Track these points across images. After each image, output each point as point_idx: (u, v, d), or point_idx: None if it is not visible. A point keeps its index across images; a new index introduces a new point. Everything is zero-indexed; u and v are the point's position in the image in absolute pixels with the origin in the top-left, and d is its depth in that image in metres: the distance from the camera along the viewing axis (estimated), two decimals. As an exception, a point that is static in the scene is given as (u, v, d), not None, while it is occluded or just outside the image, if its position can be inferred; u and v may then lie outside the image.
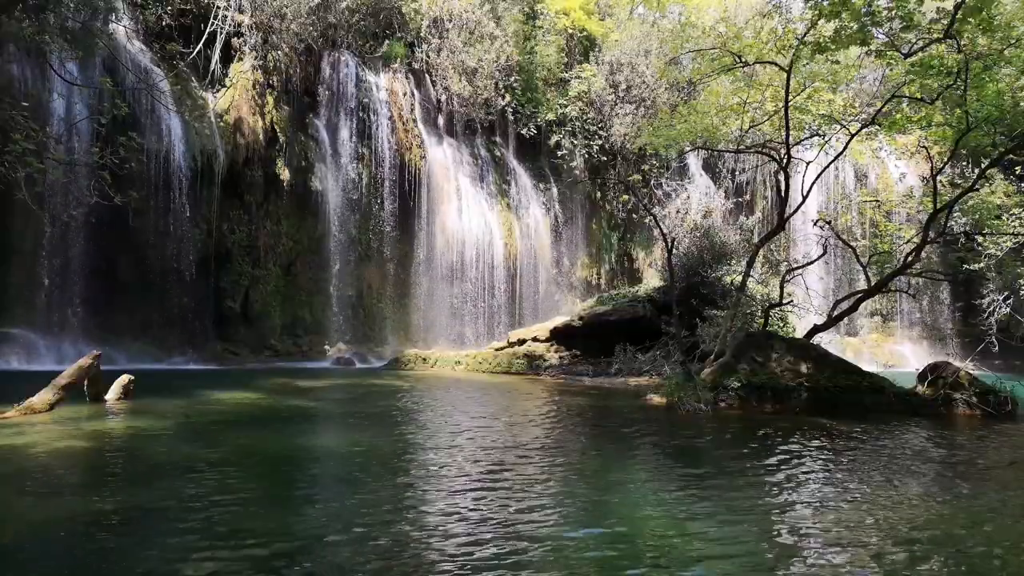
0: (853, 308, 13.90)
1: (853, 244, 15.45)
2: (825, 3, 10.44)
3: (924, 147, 14.28)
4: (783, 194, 13.79)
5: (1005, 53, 10.62)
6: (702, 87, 18.49)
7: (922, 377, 10.92)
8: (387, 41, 24.07)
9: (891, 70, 13.46)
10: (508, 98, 25.13)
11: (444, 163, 23.98)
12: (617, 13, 28.99)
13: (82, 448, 6.41)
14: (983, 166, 12.53)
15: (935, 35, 10.54)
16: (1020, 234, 16.08)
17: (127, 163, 13.73)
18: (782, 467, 6.28)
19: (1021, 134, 11.84)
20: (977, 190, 13.36)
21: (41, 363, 15.25)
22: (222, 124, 19.58)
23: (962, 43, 10.26)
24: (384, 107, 22.77)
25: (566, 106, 26.08)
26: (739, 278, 14.82)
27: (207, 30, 19.48)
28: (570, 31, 27.13)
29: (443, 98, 24.56)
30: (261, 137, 20.36)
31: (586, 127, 26.37)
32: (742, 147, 15.41)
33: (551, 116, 25.94)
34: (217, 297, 19.48)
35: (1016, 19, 11.19)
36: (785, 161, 12.90)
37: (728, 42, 13.03)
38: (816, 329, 12.58)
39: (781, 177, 13.47)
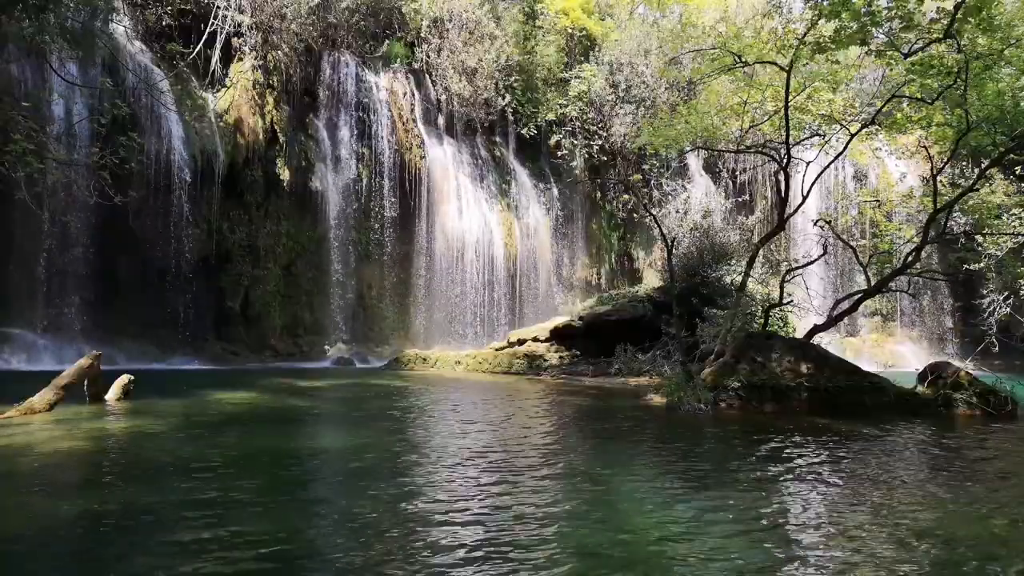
0: (853, 308, 13.89)
1: (853, 244, 15.43)
2: (825, 3, 10.44)
3: (924, 147, 14.25)
4: (783, 194, 13.78)
5: (1005, 53, 10.61)
6: (702, 87, 18.50)
7: (922, 377, 10.91)
8: (387, 41, 24.09)
9: (891, 70, 13.45)
10: (508, 98, 25.13)
11: (444, 163, 23.99)
12: (617, 13, 29.00)
13: (82, 448, 6.41)
14: (983, 166, 12.51)
15: (935, 35, 10.53)
16: (1020, 234, 16.07)
17: (127, 163, 13.74)
18: (782, 467, 6.28)
19: (1021, 134, 11.83)
20: (977, 190, 13.34)
21: (41, 363, 15.25)
22: (222, 124, 19.59)
23: (962, 43, 10.26)
24: (384, 107, 22.78)
25: (566, 106, 26.07)
26: (739, 278, 14.82)
27: (207, 30, 19.49)
28: (570, 31, 27.13)
29: (443, 98, 24.56)
30: (261, 137, 20.36)
31: (586, 127, 26.37)
32: (742, 147, 15.40)
33: (551, 116, 25.94)
34: (217, 297, 19.48)
35: (1016, 19, 11.19)
36: (785, 161, 12.89)
37: (728, 42, 13.02)
38: (816, 329, 12.57)
39: (781, 177, 13.45)
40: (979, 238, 17.53)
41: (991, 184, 16.75)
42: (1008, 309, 21.09)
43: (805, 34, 11.44)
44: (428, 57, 24.26)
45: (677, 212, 22.60)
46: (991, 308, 21.52)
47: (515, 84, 25.32)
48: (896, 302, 26.21)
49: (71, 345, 16.05)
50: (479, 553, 3.72)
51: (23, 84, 15.84)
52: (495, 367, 17.46)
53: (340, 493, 5.18)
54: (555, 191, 26.67)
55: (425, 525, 4.26)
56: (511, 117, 25.82)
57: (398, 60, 24.01)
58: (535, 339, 18.67)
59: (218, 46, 19.86)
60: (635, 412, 10.04)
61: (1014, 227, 16.21)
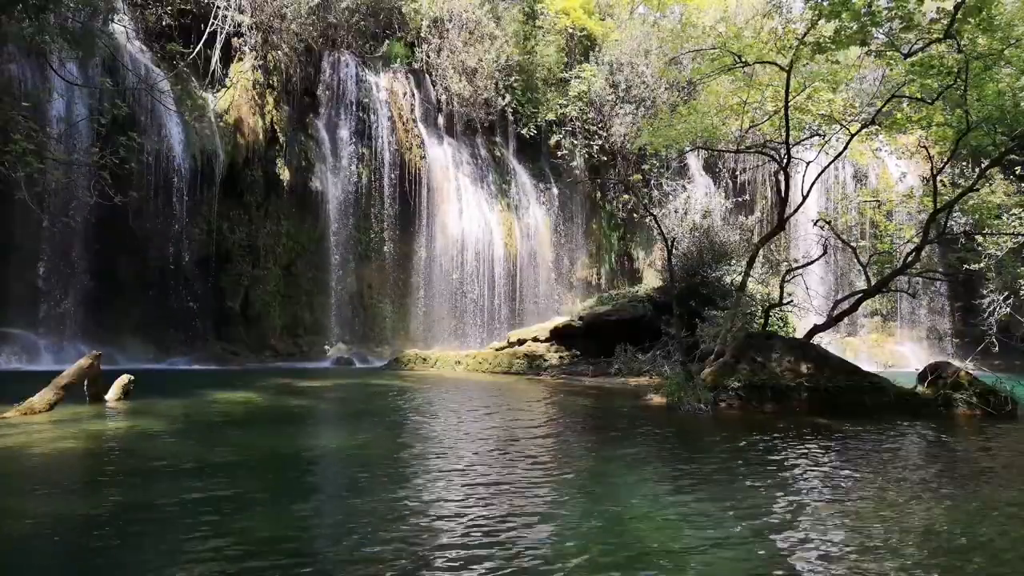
0: (853, 308, 13.89)
1: (853, 244, 15.44)
2: (825, 3, 10.44)
3: (924, 147, 14.26)
4: (783, 194, 13.78)
5: (1005, 53, 10.60)
6: (702, 87, 18.49)
7: (922, 377, 10.91)
8: (387, 41, 24.08)
9: (891, 70, 13.45)
10: (508, 98, 25.12)
11: (444, 163, 23.99)
12: (617, 13, 28.99)
13: (82, 448, 6.41)
14: (983, 166, 12.50)
15: (935, 35, 10.53)
16: (1020, 234, 16.07)
17: (127, 163, 13.73)
18: (782, 467, 6.28)
19: (1021, 134, 11.83)
20: (977, 190, 13.34)
21: (41, 363, 15.25)
22: (222, 124, 19.58)
23: (962, 43, 10.26)
24: (384, 107, 22.78)
25: (566, 106, 26.06)
26: (739, 278, 14.81)
27: (207, 30, 19.47)
28: (570, 31, 27.13)
29: (443, 98, 24.56)
30: (261, 137, 20.36)
31: (586, 127, 26.36)
32: (742, 147, 15.40)
33: (551, 116, 25.93)
34: (217, 297, 19.47)
35: (1016, 19, 11.18)
36: (785, 161, 12.89)
37: (728, 42, 13.01)
38: (816, 329, 12.57)
39: (781, 177, 13.45)
40: (979, 238, 17.53)
41: (991, 184, 16.76)
42: (1008, 309, 21.08)
43: (805, 34, 11.44)
44: (428, 57, 24.25)
45: (677, 212, 22.63)
46: (991, 308, 21.51)
47: (515, 84, 25.30)
48: (896, 302, 26.20)
49: (71, 345, 16.04)
50: (479, 553, 3.72)
51: (23, 84, 15.83)
52: (495, 367, 17.45)
53: (340, 493, 5.18)
54: (555, 191, 26.67)
55: (425, 525, 4.26)
56: (511, 117, 25.81)
57: (398, 60, 24.01)
58: (535, 339, 18.66)
59: (218, 46, 19.85)
60: (635, 412, 10.04)
61: (1014, 227, 16.22)
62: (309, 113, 22.12)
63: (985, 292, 21.82)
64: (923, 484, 5.75)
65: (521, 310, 24.47)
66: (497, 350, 18.68)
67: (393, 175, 22.57)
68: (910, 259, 12.78)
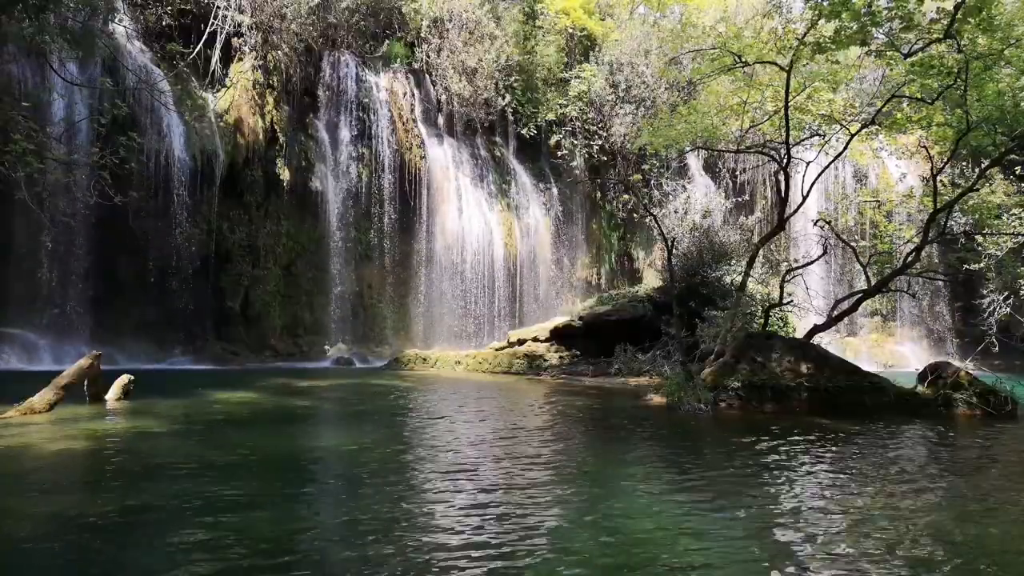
0: (853, 308, 13.89)
1: (853, 244, 15.44)
2: (825, 3, 10.44)
3: (924, 147, 14.26)
4: (783, 194, 13.78)
5: (1005, 53, 10.61)
6: (702, 87, 18.49)
7: (922, 377, 10.92)
8: (387, 41, 24.09)
9: (891, 70, 13.45)
10: (508, 98, 25.12)
11: (444, 163, 23.99)
12: (617, 13, 28.98)
13: (82, 448, 6.41)
14: (983, 166, 12.49)
15: (935, 35, 10.53)
16: (1020, 234, 16.07)
17: (127, 163, 13.75)
18: (782, 468, 6.28)
19: (1021, 134, 11.83)
20: (977, 190, 13.33)
21: (41, 363, 15.25)
22: (222, 124, 19.58)
23: (962, 43, 10.26)
24: (384, 107, 22.78)
25: (566, 106, 26.07)
26: (739, 278, 14.81)
27: (207, 30, 19.48)
28: (570, 31, 27.13)
29: (443, 98, 24.56)
30: (261, 137, 20.36)
31: (586, 127, 26.36)
32: (742, 147, 15.39)
33: (551, 116, 25.94)
34: (217, 297, 19.48)
35: (1016, 19, 11.19)
36: (785, 161, 12.89)
37: (728, 42, 13.01)
38: (816, 329, 12.57)
39: (781, 177, 13.45)
40: (979, 238, 17.53)
41: (991, 184, 16.75)
42: (1008, 309, 21.09)
43: (805, 34, 11.44)
44: (428, 57, 24.25)
45: (677, 212, 22.60)
46: (991, 308, 21.51)
47: (515, 84, 25.30)
48: (896, 302, 26.20)
49: (71, 345, 16.04)
50: (478, 554, 3.72)
51: (23, 84, 15.83)
52: (495, 367, 17.45)
53: (340, 494, 5.18)
54: (555, 191, 26.66)
55: (425, 526, 4.26)
56: (511, 117, 25.81)
57: (398, 60, 24.01)
58: (535, 339, 18.67)
59: (218, 46, 19.85)
60: (635, 412, 10.04)
61: (1014, 227, 16.21)
62: (309, 113, 22.12)
63: (985, 292, 21.82)
64: (923, 484, 5.75)
65: (521, 310, 24.47)
66: (497, 350, 18.68)
67: (393, 175, 22.57)
68: (910, 259, 12.77)
